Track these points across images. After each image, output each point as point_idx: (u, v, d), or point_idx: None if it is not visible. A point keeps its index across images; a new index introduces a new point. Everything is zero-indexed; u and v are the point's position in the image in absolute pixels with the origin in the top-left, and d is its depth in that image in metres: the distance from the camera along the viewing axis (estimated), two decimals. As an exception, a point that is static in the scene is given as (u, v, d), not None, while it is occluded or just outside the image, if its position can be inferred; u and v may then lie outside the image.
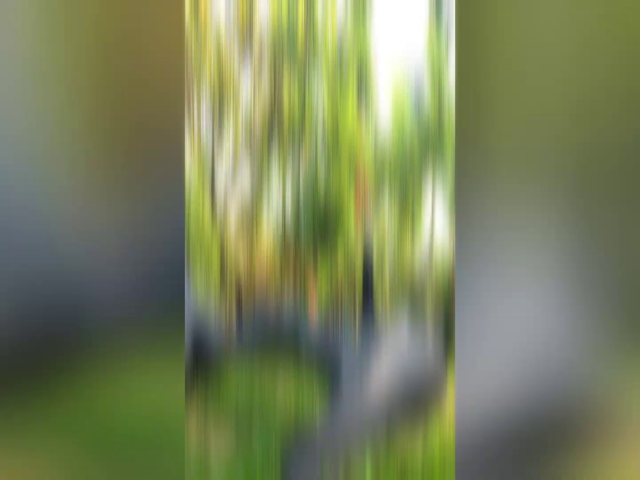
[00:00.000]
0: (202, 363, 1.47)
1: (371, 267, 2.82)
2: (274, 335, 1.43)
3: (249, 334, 1.43)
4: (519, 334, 0.67)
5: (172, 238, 0.84)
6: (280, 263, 7.23)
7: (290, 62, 4.63)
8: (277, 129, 6.04)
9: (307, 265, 4.94)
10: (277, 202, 6.19)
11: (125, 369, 0.58)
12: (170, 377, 0.58)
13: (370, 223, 5.41)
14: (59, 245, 0.56)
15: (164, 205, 0.84)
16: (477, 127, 0.59)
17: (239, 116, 5.91)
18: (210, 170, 6.18)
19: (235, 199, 7.85)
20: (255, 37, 5.94)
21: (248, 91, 6.02)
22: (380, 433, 1.12)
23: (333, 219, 4.65)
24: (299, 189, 4.88)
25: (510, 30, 0.59)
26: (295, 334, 1.34)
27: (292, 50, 4.40)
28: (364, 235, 5.52)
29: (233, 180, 7.23)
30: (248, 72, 6.25)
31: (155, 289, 0.58)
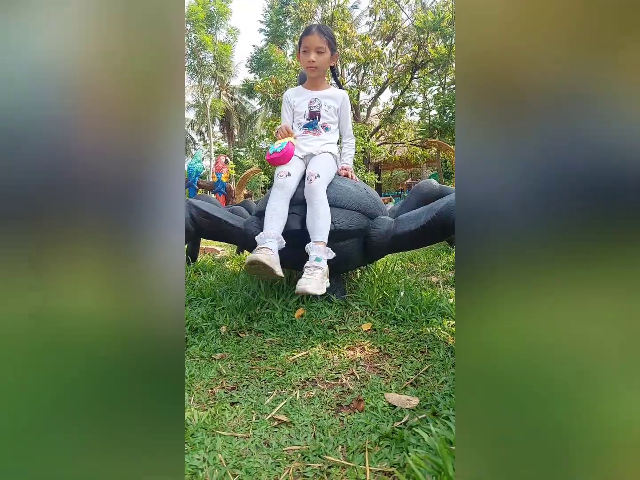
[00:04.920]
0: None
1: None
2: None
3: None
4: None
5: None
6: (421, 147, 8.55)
7: (436, 33, 5.92)
8: (420, 66, 7.62)
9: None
10: (420, 107, 7.60)
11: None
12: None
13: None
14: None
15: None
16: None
17: (380, 67, 7.98)
18: (356, 97, 8.36)
19: (376, 110, 10.19)
20: (397, 30, 7.94)
21: (388, 55, 8.01)
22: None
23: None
24: (445, 94, 6.02)
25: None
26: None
27: (437, 27, 5.64)
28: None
29: (374, 102, 9.41)
30: (390, 47, 8.21)
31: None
